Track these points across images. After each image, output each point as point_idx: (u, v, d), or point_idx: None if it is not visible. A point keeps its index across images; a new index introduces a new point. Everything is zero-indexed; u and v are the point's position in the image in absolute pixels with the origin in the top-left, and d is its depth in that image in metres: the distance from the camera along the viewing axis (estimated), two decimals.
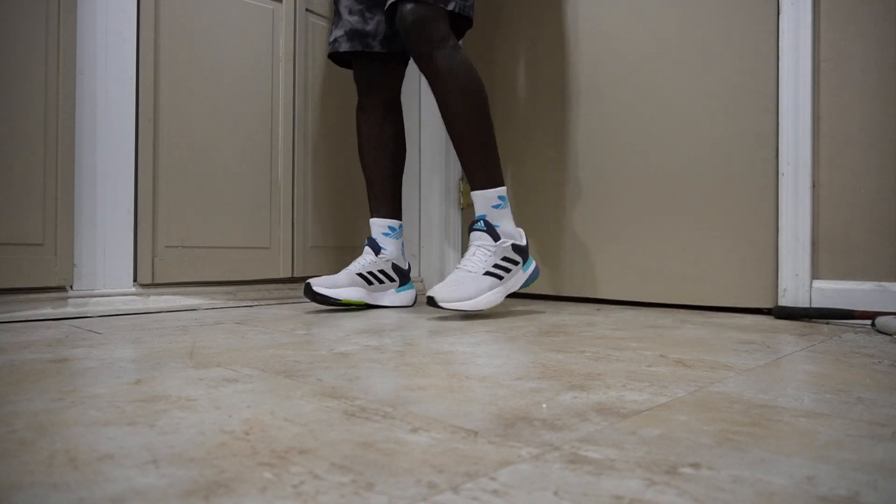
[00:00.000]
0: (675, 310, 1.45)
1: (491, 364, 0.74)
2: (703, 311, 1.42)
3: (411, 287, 1.49)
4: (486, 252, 1.24)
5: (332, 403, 0.55)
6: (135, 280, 1.33)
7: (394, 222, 1.47)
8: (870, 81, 1.26)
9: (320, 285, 1.30)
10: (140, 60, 1.33)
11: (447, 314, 1.30)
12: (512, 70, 1.82)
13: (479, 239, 1.26)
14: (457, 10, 1.29)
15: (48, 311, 1.18)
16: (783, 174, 1.34)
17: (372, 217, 1.49)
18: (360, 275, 1.38)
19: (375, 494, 0.35)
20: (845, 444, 0.45)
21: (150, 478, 0.37)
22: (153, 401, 0.55)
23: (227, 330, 1.03)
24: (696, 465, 0.40)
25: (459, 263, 1.30)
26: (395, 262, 1.44)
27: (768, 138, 1.36)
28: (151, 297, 1.34)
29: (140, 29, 1.33)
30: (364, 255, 1.43)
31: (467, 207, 1.94)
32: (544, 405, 0.55)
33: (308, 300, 1.50)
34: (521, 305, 1.55)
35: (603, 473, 0.38)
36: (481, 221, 1.27)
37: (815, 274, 1.31)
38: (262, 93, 1.56)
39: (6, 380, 0.63)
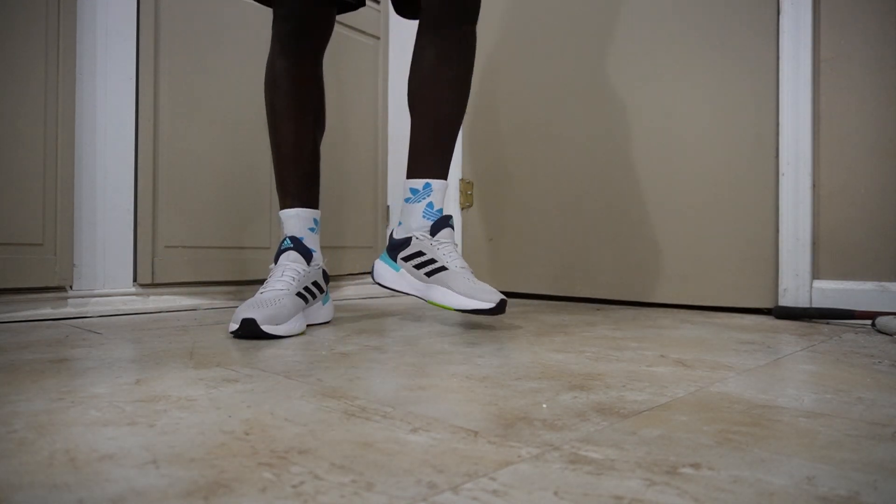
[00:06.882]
0: (675, 310, 1.45)
1: (491, 364, 0.74)
2: (703, 311, 1.41)
3: (329, 296, 1.18)
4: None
5: (332, 403, 0.55)
6: (135, 280, 1.33)
7: (318, 213, 1.16)
8: (870, 81, 1.26)
9: (268, 322, 0.92)
10: (140, 60, 1.33)
11: (449, 314, 1.30)
12: (511, 71, 1.81)
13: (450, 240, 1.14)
14: None
15: (48, 311, 1.18)
16: (783, 174, 1.34)
17: (291, 207, 1.13)
18: (299, 293, 1.03)
19: (375, 494, 0.35)
20: (845, 444, 0.45)
21: (150, 478, 0.37)
22: (153, 401, 0.55)
23: (226, 330, 1.03)
24: (696, 466, 0.40)
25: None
26: (323, 267, 1.14)
27: (768, 138, 1.36)
28: (151, 297, 1.34)
29: (140, 29, 1.33)
30: (291, 262, 1.06)
31: (467, 207, 1.93)
32: (544, 405, 0.55)
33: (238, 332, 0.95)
34: (520, 306, 1.55)
35: (603, 473, 0.38)
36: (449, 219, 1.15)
37: (816, 274, 1.31)
38: (262, 92, 1.55)
39: (6, 380, 0.63)
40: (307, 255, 1.08)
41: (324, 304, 1.14)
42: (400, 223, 1.16)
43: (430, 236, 1.11)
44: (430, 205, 1.13)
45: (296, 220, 1.12)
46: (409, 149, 1.16)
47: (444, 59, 1.13)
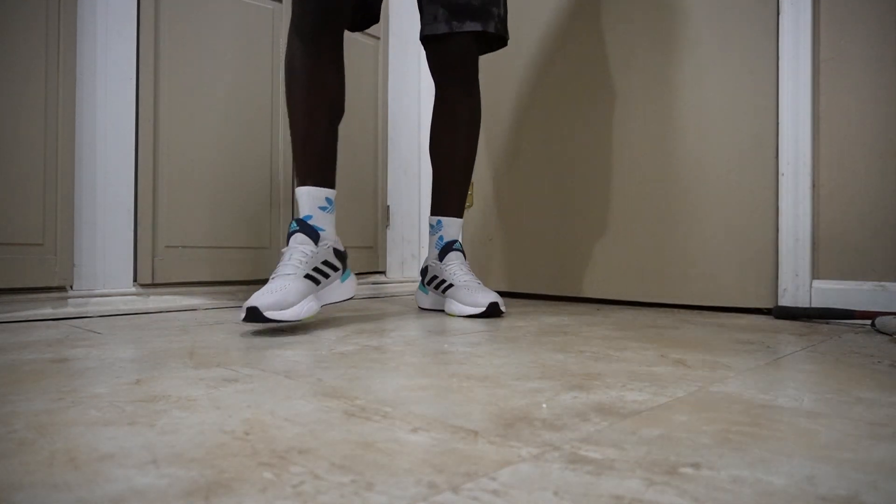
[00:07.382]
0: (675, 310, 1.45)
1: (491, 364, 0.74)
2: (703, 311, 1.41)
3: (350, 272, 1.21)
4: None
5: (332, 403, 0.55)
6: (135, 280, 1.33)
7: (331, 192, 1.17)
8: (870, 81, 1.26)
9: (272, 308, 0.96)
10: (140, 60, 1.33)
11: (451, 316, 1.30)
12: (511, 71, 1.81)
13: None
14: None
15: (48, 311, 1.18)
16: (783, 174, 1.34)
17: (303, 185, 1.15)
18: (308, 276, 1.06)
19: (375, 494, 0.35)
20: (845, 444, 0.45)
21: (150, 478, 0.37)
22: (153, 401, 0.55)
23: (227, 330, 1.03)
24: (696, 465, 0.40)
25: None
26: (334, 245, 1.15)
27: (768, 138, 1.36)
28: (151, 297, 1.34)
29: (140, 29, 1.33)
30: (298, 245, 1.09)
31: (467, 207, 1.93)
32: (544, 405, 0.55)
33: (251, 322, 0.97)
34: (520, 306, 1.55)
35: (603, 473, 0.38)
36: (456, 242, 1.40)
37: (815, 274, 1.31)
38: (263, 93, 1.56)
39: (6, 380, 0.63)
40: (314, 235, 1.11)
41: (342, 281, 1.17)
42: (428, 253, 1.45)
43: (439, 262, 1.35)
44: (441, 237, 1.39)
45: (307, 198, 1.15)
46: (431, 188, 1.43)
47: (448, 121, 1.38)
